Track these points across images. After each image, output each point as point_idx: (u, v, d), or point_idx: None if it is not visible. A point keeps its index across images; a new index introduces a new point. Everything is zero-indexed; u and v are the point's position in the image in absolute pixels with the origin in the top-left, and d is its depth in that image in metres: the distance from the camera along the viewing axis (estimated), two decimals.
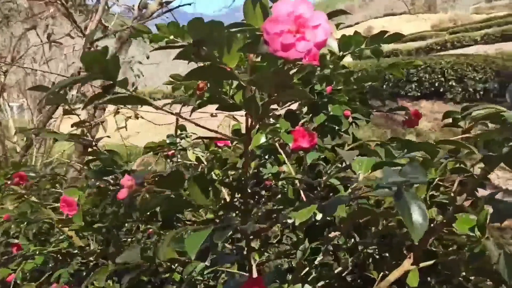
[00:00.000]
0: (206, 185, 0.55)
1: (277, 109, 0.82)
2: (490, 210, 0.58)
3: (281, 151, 0.70)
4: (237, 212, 0.83)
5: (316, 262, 0.67)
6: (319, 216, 0.55)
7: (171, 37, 0.83)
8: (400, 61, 0.93)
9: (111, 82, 0.39)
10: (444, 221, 0.65)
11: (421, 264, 0.62)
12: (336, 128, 0.85)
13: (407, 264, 0.63)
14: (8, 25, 2.66)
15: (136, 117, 2.02)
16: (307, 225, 0.56)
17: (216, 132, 0.53)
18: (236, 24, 0.41)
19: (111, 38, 2.49)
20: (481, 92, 6.85)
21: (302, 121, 0.92)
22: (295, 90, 0.42)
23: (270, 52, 0.35)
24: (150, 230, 1.12)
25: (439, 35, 15.38)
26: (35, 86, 0.66)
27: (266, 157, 0.80)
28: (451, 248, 0.79)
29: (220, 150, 1.07)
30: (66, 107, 0.87)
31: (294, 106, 0.94)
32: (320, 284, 0.71)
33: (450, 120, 0.84)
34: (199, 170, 1.07)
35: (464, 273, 0.73)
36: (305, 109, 0.92)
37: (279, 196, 0.72)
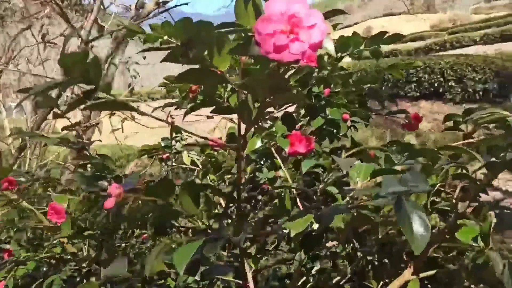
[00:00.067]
0: (197, 194, 0.53)
1: (273, 112, 0.80)
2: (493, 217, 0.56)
3: (277, 156, 0.67)
4: (233, 217, 0.81)
5: (313, 272, 0.65)
6: (316, 225, 0.53)
7: (165, 37, 0.80)
8: (399, 61, 0.91)
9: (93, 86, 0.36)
10: (446, 230, 0.63)
11: (422, 274, 0.60)
12: (335, 131, 0.82)
13: (407, 274, 0.60)
14: (3, 25, 2.63)
15: (133, 118, 2.00)
16: (303, 235, 0.54)
17: (205, 138, 0.51)
18: (227, 24, 0.38)
19: (107, 38, 2.47)
20: (481, 93, 6.83)
21: (299, 124, 0.90)
22: (290, 93, 0.40)
23: (262, 54, 0.33)
24: (145, 235, 1.10)
25: (439, 35, 15.37)
26: (21, 89, 0.63)
27: (262, 162, 0.77)
28: (451, 254, 0.77)
29: (215, 153, 1.04)
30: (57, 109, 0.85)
31: (291, 108, 0.92)
32: None
33: (451, 123, 0.82)
34: (195, 173, 1.04)
35: (466, 281, 0.71)
36: (302, 111, 0.90)
37: (276, 201, 0.70)
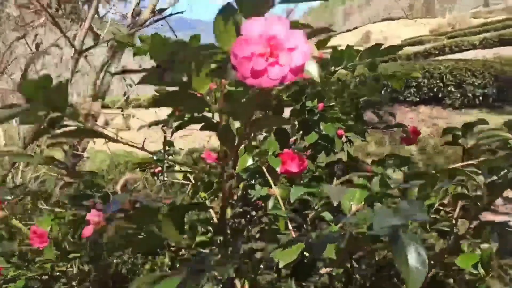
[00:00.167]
0: (181, 219, 0.50)
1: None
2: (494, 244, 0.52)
3: (268, 176, 0.64)
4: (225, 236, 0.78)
5: None
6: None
7: None
8: (399, 67, 0.88)
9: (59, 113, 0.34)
10: (445, 251, 0.60)
11: None
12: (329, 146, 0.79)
13: None
14: None
15: (128, 128, 1.97)
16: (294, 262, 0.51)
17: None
18: (206, 47, 0.35)
19: (103, 47, 2.44)
20: (480, 98, 6.80)
21: (293, 138, 0.87)
22: (273, 117, 0.37)
23: (239, 79, 0.30)
24: None
25: (438, 40, 15.37)
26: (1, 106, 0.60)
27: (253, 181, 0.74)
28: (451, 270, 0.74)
29: (209, 167, 1.01)
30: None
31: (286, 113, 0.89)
32: None
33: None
34: (187, 189, 1.01)
35: None
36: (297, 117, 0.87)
37: (265, 225, 0.67)
